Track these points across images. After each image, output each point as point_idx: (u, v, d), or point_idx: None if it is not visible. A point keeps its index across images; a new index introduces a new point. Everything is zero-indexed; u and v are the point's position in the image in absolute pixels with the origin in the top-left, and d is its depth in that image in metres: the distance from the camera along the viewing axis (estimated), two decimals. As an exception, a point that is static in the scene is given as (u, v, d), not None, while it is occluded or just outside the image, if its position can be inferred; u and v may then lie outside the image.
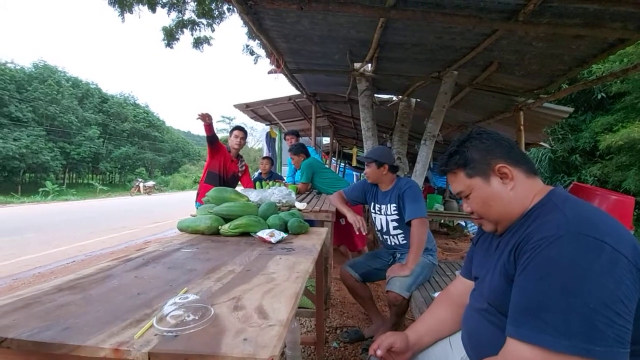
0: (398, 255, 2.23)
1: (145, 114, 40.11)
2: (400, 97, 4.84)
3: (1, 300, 0.81)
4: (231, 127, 3.73)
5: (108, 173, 35.16)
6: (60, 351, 0.63)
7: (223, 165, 3.49)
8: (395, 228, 2.21)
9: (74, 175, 31.97)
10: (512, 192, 0.84)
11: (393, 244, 2.25)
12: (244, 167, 3.78)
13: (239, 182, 3.79)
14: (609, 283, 0.62)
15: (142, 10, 7.13)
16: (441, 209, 5.36)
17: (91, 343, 0.63)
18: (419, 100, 4.90)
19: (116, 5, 6.83)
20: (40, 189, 20.19)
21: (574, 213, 0.72)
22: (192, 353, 0.61)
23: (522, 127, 4.35)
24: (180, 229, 1.72)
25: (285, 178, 4.85)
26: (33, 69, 27.00)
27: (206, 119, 3.12)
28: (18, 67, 25.90)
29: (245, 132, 3.64)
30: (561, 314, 0.63)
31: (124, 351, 0.61)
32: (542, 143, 6.75)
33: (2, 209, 12.63)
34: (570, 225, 0.69)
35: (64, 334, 0.66)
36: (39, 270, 4.38)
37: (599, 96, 8.74)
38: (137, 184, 25.43)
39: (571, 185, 3.83)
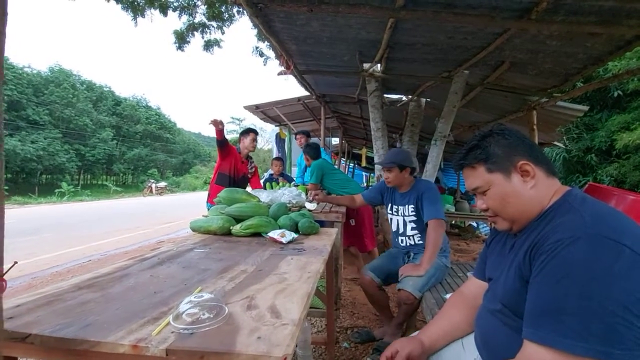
0: (412, 255, 2.23)
1: (157, 116, 40.80)
2: (410, 97, 4.81)
3: (25, 297, 0.84)
4: (241, 129, 3.80)
5: (121, 174, 35.86)
6: (82, 347, 0.65)
7: (233, 166, 3.55)
8: (413, 229, 2.23)
9: (89, 176, 32.72)
10: (532, 190, 0.83)
11: (408, 244, 2.26)
12: (253, 169, 3.83)
13: (248, 183, 3.83)
14: (628, 286, 0.61)
15: (154, 14, 7.26)
16: (452, 209, 5.30)
17: (111, 339, 0.65)
18: (429, 100, 4.86)
19: (129, 10, 6.97)
20: (56, 190, 20.73)
21: (592, 214, 0.71)
22: (208, 350, 0.62)
23: (535, 127, 4.27)
24: (193, 229, 1.75)
25: (294, 179, 4.87)
26: (49, 73, 27.74)
27: (218, 125, 3.19)
28: (35, 72, 26.64)
29: (257, 134, 3.73)
30: (580, 317, 0.63)
31: (142, 347, 0.63)
32: (555, 143, 6.62)
33: (21, 209, 13.00)
34: (587, 227, 0.68)
35: (85, 331, 0.68)
36: (56, 269, 4.50)
37: (615, 94, 8.50)
38: (149, 184, 25.90)
39: (586, 185, 3.75)
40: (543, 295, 0.69)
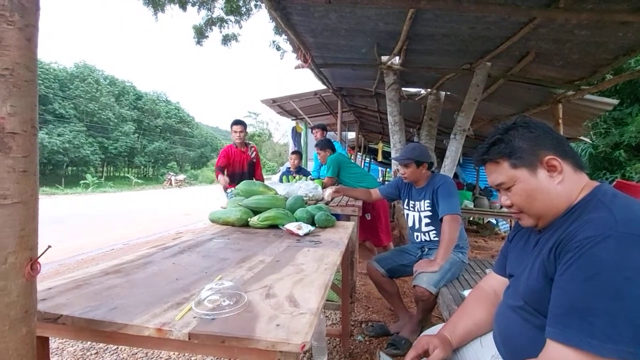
0: (426, 250, 2.20)
1: (177, 111, 41.70)
2: (429, 90, 4.71)
3: (55, 281, 0.88)
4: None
5: (142, 167, 36.96)
6: (110, 329, 0.68)
7: (239, 163, 3.82)
8: (427, 225, 2.19)
9: (112, 168, 33.87)
10: (560, 186, 0.79)
11: (423, 240, 2.23)
12: (254, 153, 4.01)
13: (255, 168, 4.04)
14: None
15: (174, 9, 7.38)
16: (471, 205, 5.20)
17: (137, 322, 0.68)
18: (448, 93, 4.75)
19: (150, 5, 7.10)
20: (81, 181, 21.56)
21: (623, 211, 0.68)
22: (229, 335, 0.64)
23: (560, 121, 4.11)
24: (212, 221, 1.79)
25: (311, 172, 4.88)
26: (74, 69, 28.72)
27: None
28: (61, 67, 27.64)
29: (244, 125, 3.94)
30: (609, 318, 0.60)
31: (166, 331, 0.66)
32: (582, 137, 6.35)
33: (48, 199, 13.60)
34: (618, 225, 0.65)
35: (113, 314, 0.71)
36: (81, 257, 4.69)
37: (648, 87, 8.08)
38: (169, 177, 26.55)
39: (614, 182, 3.59)
40: (569, 294, 0.67)
